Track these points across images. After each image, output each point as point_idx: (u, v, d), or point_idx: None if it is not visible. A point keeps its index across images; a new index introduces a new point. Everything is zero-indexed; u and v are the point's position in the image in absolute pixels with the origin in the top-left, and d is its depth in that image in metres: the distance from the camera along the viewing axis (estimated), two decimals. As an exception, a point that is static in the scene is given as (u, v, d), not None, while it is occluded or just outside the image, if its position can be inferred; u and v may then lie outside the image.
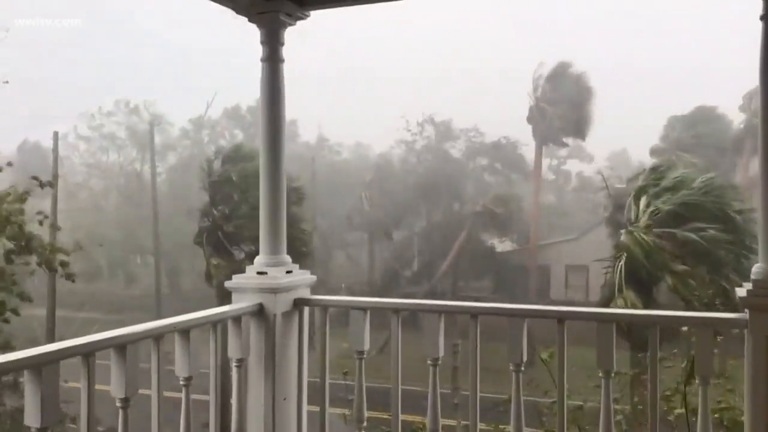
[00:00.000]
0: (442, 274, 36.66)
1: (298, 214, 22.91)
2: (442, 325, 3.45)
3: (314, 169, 37.11)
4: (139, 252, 40.94)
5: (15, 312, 12.35)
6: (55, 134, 24.16)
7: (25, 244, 12.32)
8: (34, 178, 13.20)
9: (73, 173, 42.44)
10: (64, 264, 12.98)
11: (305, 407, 3.77)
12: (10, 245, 12.44)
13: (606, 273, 17.32)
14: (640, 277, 16.38)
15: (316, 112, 42.03)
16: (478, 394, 3.34)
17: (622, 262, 16.33)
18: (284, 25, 3.69)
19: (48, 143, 24.26)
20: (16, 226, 12.11)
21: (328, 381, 3.65)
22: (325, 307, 3.67)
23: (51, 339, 20.78)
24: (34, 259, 12.82)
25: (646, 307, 15.32)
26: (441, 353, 3.42)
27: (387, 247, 40.69)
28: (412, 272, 38.39)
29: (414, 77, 43.72)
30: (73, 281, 13.47)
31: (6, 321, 12.41)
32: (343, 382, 5.40)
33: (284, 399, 3.63)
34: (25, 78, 41.14)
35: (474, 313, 3.40)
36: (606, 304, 16.93)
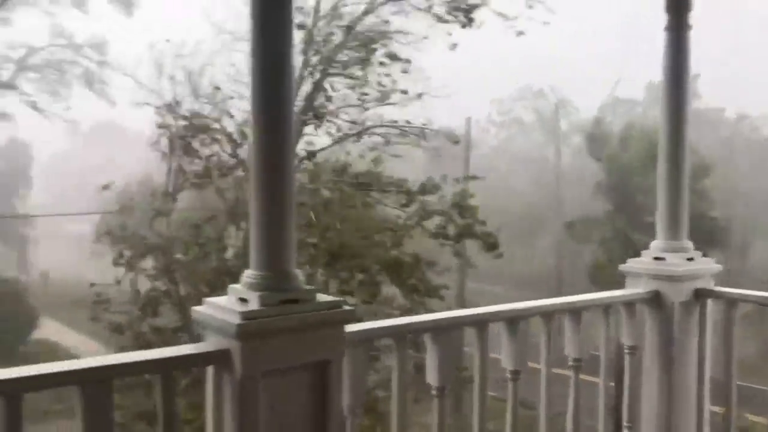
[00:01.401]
0: None
1: (704, 194, 21.31)
2: None
3: (732, 148, 33.40)
4: (542, 232, 42.23)
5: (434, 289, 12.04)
6: (468, 119, 26.24)
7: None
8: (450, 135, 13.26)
9: (481, 156, 45.61)
10: (487, 236, 12.16)
11: (707, 407, 3.46)
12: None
13: None
14: None
15: (737, 84, 37.51)
16: None
17: None
18: (694, -12, 3.36)
19: (461, 130, 26.38)
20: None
21: (735, 384, 3.30)
22: (731, 300, 3.29)
23: (461, 306, 22.78)
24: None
25: None
26: None
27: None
28: None
29: None
30: (501, 255, 12.34)
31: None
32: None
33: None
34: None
35: None
36: None
